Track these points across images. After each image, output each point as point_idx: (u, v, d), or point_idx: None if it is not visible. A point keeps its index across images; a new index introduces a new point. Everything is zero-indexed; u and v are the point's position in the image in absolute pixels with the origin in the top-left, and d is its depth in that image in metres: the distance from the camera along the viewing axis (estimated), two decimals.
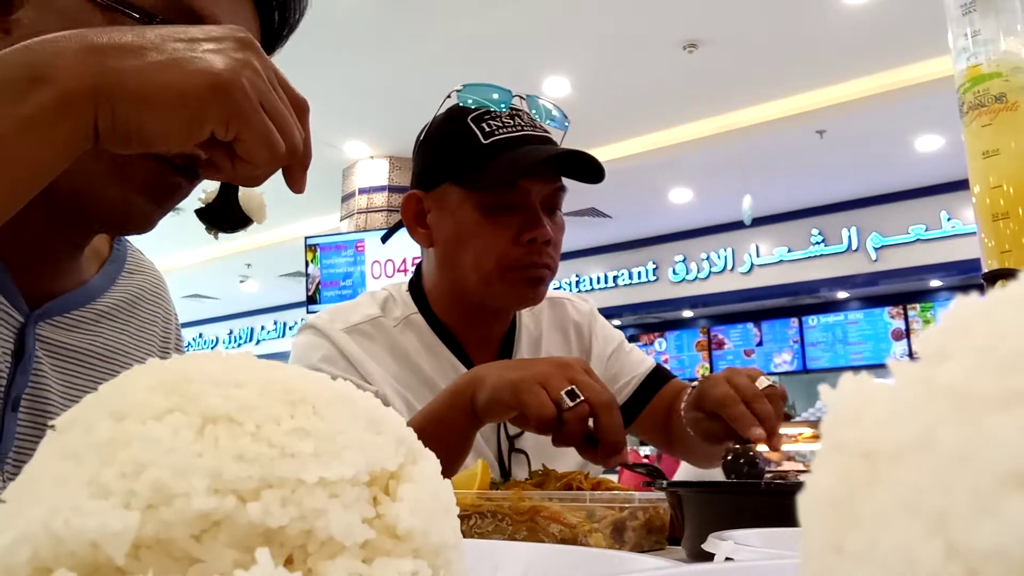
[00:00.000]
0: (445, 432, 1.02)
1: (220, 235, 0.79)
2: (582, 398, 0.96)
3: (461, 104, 1.20)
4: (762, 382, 1.09)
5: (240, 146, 0.57)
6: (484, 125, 1.18)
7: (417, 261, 1.39)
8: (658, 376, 1.39)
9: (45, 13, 0.67)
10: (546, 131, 1.23)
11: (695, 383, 1.22)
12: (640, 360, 1.42)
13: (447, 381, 1.22)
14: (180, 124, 0.54)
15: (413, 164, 1.30)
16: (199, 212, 0.77)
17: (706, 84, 5.66)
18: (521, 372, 0.99)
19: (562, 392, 0.96)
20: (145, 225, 0.76)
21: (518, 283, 1.18)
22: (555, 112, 1.25)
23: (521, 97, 1.22)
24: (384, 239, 1.46)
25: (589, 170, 1.19)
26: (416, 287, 1.31)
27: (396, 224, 1.38)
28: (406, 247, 5.61)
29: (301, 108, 0.62)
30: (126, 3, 0.67)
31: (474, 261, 1.19)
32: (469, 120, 1.19)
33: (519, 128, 1.18)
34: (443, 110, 1.24)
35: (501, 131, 1.17)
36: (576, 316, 1.40)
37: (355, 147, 6.74)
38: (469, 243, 1.19)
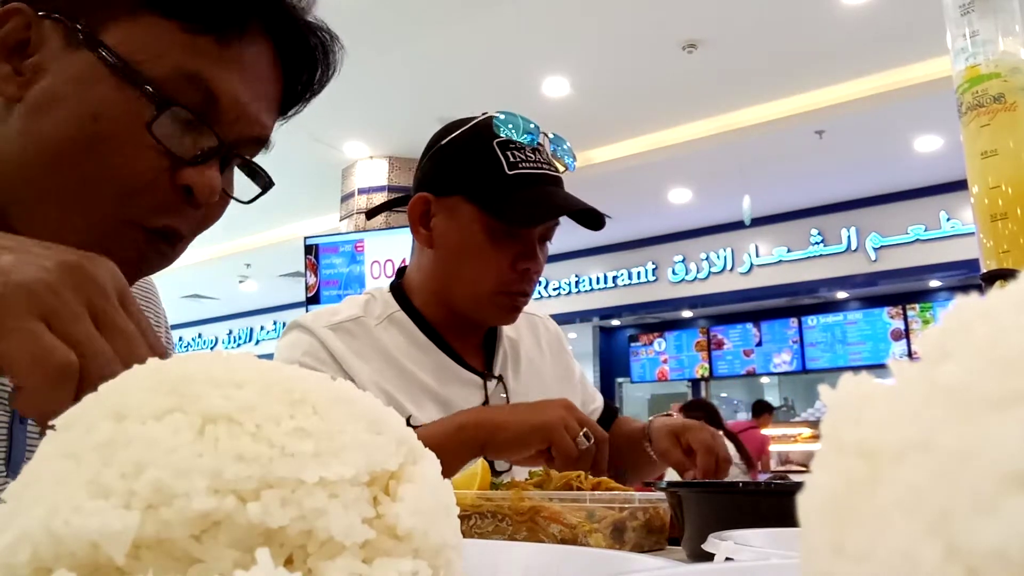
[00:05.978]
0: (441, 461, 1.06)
1: None
2: (593, 439, 1.11)
3: (494, 129, 1.24)
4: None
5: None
6: (509, 154, 1.23)
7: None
8: (609, 410, 1.55)
9: (57, 76, 0.67)
10: (558, 170, 1.30)
11: (658, 419, 1.39)
12: (594, 392, 1.57)
13: (432, 376, 1.28)
14: None
15: (423, 164, 1.32)
16: None
17: (705, 84, 5.66)
18: (541, 416, 1.12)
19: (580, 434, 1.10)
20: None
21: (503, 306, 1.28)
22: (566, 148, 1.33)
23: (546, 135, 1.29)
24: (369, 215, 1.50)
25: (593, 218, 1.27)
26: (398, 288, 1.36)
27: (388, 201, 1.45)
28: (405, 247, 5.59)
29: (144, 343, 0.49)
30: (137, 73, 0.66)
31: (472, 276, 1.26)
32: (495, 145, 1.24)
33: (539, 166, 1.25)
34: (469, 125, 1.28)
35: (523, 164, 1.24)
36: (546, 333, 1.51)
37: (354, 147, 6.74)
38: (471, 259, 1.25)
